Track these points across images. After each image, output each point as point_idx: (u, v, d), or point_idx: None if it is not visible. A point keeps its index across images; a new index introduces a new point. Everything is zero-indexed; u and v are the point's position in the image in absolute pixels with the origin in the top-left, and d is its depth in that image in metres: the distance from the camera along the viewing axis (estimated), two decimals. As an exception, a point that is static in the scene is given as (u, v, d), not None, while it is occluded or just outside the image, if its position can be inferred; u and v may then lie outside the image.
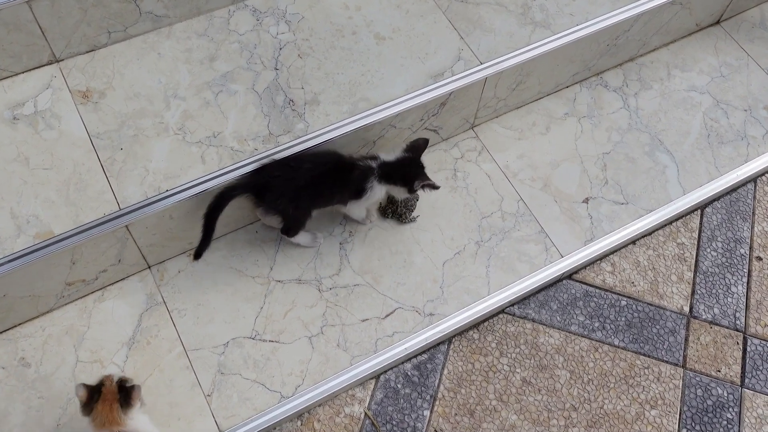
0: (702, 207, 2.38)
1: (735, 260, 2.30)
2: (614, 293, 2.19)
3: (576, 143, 2.39)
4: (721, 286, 2.24)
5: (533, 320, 2.12)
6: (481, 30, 2.25)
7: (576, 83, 2.51)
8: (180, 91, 2.04)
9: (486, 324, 2.10)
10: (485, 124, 2.39)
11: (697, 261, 2.28)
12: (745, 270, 2.28)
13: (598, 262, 2.25)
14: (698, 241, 2.32)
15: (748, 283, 2.26)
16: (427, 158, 2.27)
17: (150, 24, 2.11)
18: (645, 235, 2.30)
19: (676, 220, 2.35)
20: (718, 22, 2.72)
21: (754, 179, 2.46)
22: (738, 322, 2.19)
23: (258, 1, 2.24)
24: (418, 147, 1.98)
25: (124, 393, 1.57)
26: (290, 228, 2.00)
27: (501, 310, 2.12)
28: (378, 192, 1.97)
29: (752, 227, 2.37)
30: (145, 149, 1.94)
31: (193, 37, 2.14)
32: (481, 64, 2.17)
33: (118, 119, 1.97)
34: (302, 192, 1.88)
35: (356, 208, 2.06)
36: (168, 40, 2.13)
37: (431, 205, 2.22)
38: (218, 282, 2.03)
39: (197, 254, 1.98)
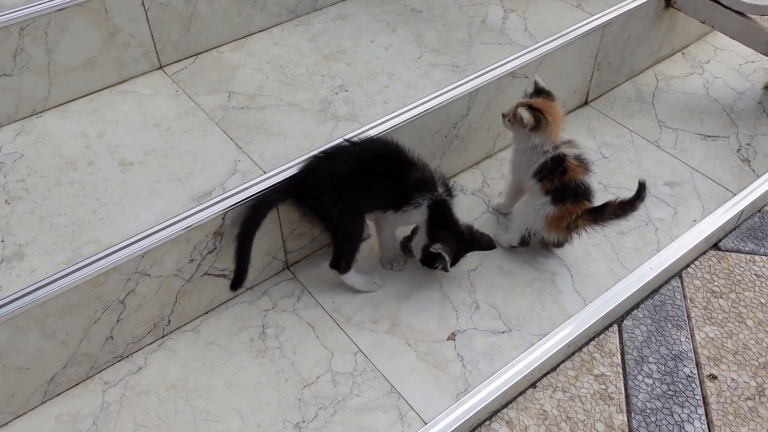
0: (618, 320, 1.73)
1: (680, 385, 1.61)
2: (517, 466, 1.46)
3: (430, 264, 1.77)
4: (670, 426, 1.53)
5: None
6: (267, 135, 1.70)
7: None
8: None
9: None
10: (305, 259, 1.76)
11: (627, 396, 1.58)
12: (698, 396, 1.59)
13: (487, 423, 1.52)
14: (623, 368, 1.64)
15: (706, 413, 1.55)
16: (225, 315, 1.63)
17: None
18: (547, 373, 1.61)
19: (586, 343, 1.68)
20: (586, 103, 2.25)
21: (678, 273, 1.84)
22: (706, 476, 1.45)
23: (-35, 150, 1.67)
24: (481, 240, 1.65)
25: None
26: (341, 252, 1.59)
27: None
28: (417, 216, 1.57)
29: (692, 336, 1.70)
30: None
31: None
32: (265, 173, 1.59)
33: None
34: (346, 184, 1.50)
35: (389, 224, 1.65)
36: None
37: (226, 382, 1.51)
38: None
39: (234, 285, 1.58)
